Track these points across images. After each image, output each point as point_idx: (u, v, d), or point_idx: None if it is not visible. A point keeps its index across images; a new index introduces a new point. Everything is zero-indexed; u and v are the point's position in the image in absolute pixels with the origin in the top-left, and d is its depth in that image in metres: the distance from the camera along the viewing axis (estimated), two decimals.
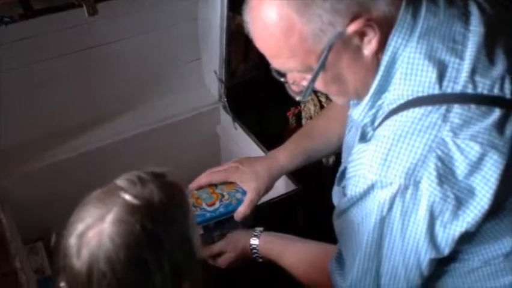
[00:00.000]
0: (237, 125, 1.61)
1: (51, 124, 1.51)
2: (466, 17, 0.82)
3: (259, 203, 1.35)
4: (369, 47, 0.80)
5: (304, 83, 0.84)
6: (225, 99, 1.64)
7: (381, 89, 0.83)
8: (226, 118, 1.66)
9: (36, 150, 1.48)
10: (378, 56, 0.82)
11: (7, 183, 1.41)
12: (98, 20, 1.27)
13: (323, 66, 0.80)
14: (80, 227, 0.75)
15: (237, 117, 1.62)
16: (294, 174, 1.40)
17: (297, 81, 0.86)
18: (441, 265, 0.88)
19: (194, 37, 1.62)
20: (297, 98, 0.87)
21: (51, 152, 1.50)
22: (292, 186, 1.38)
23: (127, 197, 0.75)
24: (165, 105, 1.65)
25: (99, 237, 0.73)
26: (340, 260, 0.95)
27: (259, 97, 1.58)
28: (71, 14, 1.25)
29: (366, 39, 0.79)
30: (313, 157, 1.28)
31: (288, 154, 1.24)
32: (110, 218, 0.73)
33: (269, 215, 1.32)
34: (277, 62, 0.84)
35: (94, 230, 0.74)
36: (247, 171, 1.22)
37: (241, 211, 1.20)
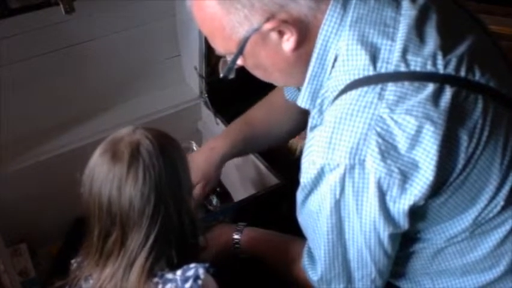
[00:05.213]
0: (219, 121, 1.60)
1: (31, 124, 1.49)
2: (397, 3, 0.85)
3: (244, 197, 1.36)
4: (287, 44, 0.84)
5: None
6: (206, 95, 1.65)
7: (318, 77, 0.87)
8: (207, 114, 1.66)
9: (17, 151, 1.47)
10: (304, 50, 0.85)
11: None
12: (75, 17, 1.27)
13: (240, 53, 0.86)
14: (113, 139, 0.87)
15: (218, 112, 1.61)
16: (277, 169, 1.41)
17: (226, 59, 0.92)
18: (407, 247, 0.91)
19: (173, 33, 1.61)
20: (220, 75, 0.93)
21: (33, 152, 1.48)
22: (275, 181, 1.39)
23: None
24: (146, 102, 1.64)
25: (137, 140, 0.85)
26: (310, 254, 0.96)
27: (240, 92, 1.58)
28: (47, 12, 1.24)
29: (285, 37, 0.83)
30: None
31: (228, 142, 1.28)
32: (139, 131, 0.87)
33: (252, 210, 1.33)
34: (209, 40, 0.90)
35: (130, 137, 0.86)
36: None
37: None
